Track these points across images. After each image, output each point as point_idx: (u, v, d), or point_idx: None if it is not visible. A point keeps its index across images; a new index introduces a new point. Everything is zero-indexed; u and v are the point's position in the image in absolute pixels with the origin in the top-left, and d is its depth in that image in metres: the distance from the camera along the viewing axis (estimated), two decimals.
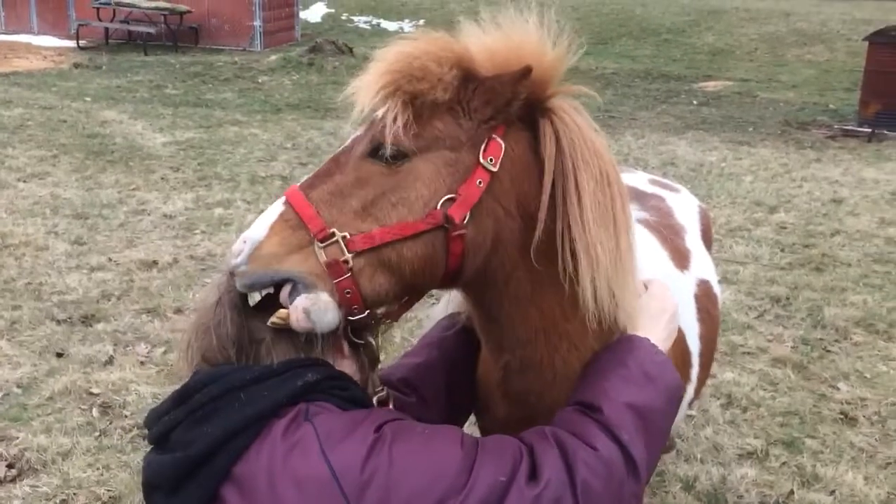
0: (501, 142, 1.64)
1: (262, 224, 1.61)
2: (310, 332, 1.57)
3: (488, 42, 1.67)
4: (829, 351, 5.23)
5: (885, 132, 11.93)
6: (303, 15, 23.98)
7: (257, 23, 19.82)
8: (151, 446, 1.65)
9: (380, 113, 1.63)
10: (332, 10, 26.78)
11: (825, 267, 6.69)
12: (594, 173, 1.65)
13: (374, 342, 1.77)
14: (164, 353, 4.96)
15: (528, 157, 1.68)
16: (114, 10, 19.45)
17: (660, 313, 1.84)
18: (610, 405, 1.61)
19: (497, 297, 1.76)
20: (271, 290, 1.62)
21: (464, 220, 1.61)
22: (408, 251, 1.60)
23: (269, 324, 1.60)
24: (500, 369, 1.91)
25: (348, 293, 1.58)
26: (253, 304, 1.62)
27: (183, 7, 19.55)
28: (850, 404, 4.56)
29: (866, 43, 12.94)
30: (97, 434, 4.10)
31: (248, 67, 16.85)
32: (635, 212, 2.47)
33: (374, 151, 1.62)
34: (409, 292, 1.72)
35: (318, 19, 25.88)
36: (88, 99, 13.43)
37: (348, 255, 1.56)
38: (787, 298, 6.00)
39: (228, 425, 1.51)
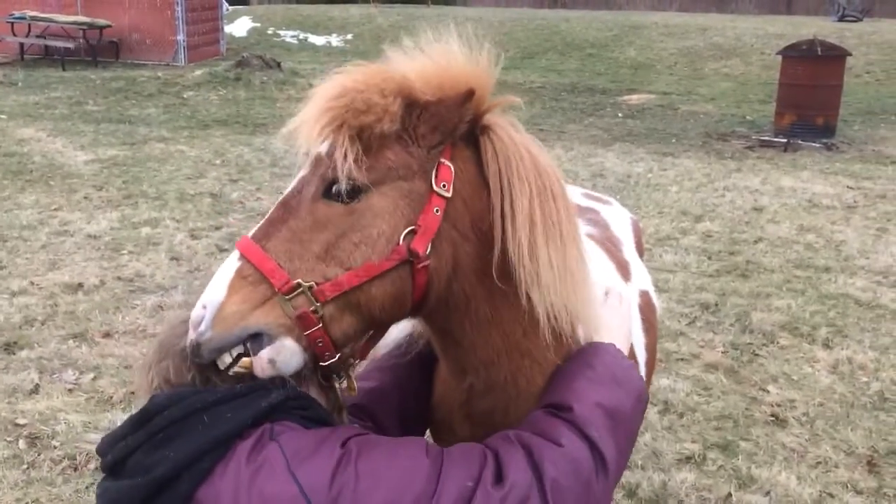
0: (450, 165, 1.64)
1: (219, 285, 1.57)
2: (274, 377, 1.57)
3: (420, 66, 1.66)
4: (757, 355, 5.40)
5: (800, 142, 12.45)
6: (228, 29, 23.67)
7: (181, 37, 19.44)
8: (105, 474, 1.59)
9: (324, 149, 1.60)
10: (258, 25, 26.51)
11: (750, 273, 6.92)
12: (532, 188, 1.65)
13: (338, 388, 1.76)
14: (94, 379, 4.79)
15: (475, 176, 1.68)
16: (29, 25, 18.78)
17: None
18: (580, 404, 1.63)
19: (458, 321, 1.75)
20: (242, 351, 1.58)
21: (426, 251, 1.60)
22: (376, 290, 1.59)
23: (231, 373, 1.59)
24: (463, 391, 1.90)
25: (320, 342, 1.57)
26: (223, 367, 1.60)
27: (102, 21, 19.02)
28: (780, 406, 4.72)
29: (780, 57, 13.50)
30: (25, 467, 3.93)
31: (173, 82, 16.49)
32: (582, 226, 2.51)
33: (328, 191, 1.59)
34: (376, 327, 1.72)
35: (244, 34, 25.57)
36: (4, 116, 12.92)
37: (317, 305, 1.55)
38: (716, 305, 6.18)
39: (191, 448, 1.48)
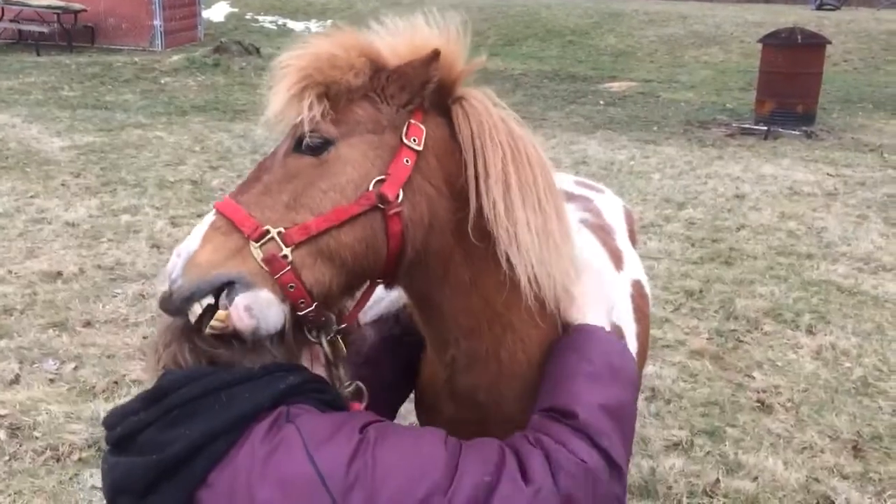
0: (422, 126, 1.68)
1: (193, 237, 1.59)
2: (255, 330, 1.54)
3: (385, 38, 1.72)
4: (742, 341, 5.43)
5: (780, 130, 12.51)
6: (205, 14, 23.35)
7: (157, 22, 19.16)
8: (110, 447, 1.57)
9: (296, 111, 1.64)
10: (236, 10, 26.20)
11: (733, 260, 6.95)
12: (505, 151, 1.69)
13: (336, 339, 1.73)
14: (75, 369, 4.72)
15: (448, 138, 1.72)
16: (2, 9, 18.44)
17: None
18: (584, 409, 1.61)
19: (438, 285, 1.77)
20: (212, 301, 1.55)
21: (397, 197, 1.62)
22: (346, 236, 1.60)
23: (207, 330, 1.54)
24: (446, 366, 1.91)
25: (292, 287, 1.56)
26: (193, 319, 1.56)
27: (77, 5, 18.69)
28: (766, 392, 4.74)
29: (759, 45, 13.54)
30: (7, 458, 3.86)
31: (150, 68, 16.26)
32: (576, 212, 2.49)
33: (298, 145, 1.63)
34: (355, 282, 1.71)
35: (222, 19, 25.25)
36: None
37: (286, 250, 1.55)
38: (701, 292, 6.21)
39: (208, 428, 1.46)
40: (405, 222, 1.64)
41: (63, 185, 8.46)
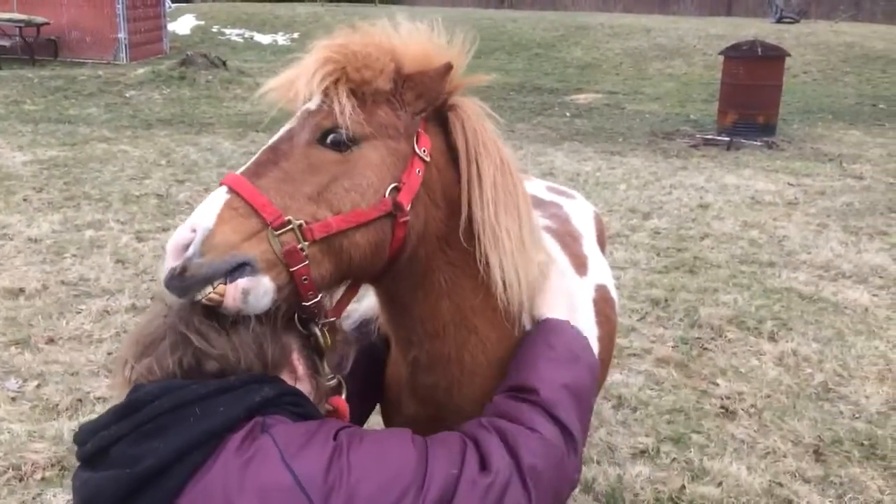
0: (427, 135, 1.74)
1: (208, 213, 1.54)
2: (239, 312, 1.53)
3: (401, 41, 1.76)
4: (706, 349, 5.51)
5: (742, 140, 12.74)
6: (171, 27, 23.21)
7: (122, 35, 19.02)
8: (81, 464, 1.55)
9: (314, 104, 1.66)
10: (202, 23, 26.06)
11: (697, 269, 7.05)
12: (495, 160, 1.77)
13: (319, 332, 1.73)
14: (38, 387, 4.64)
15: (445, 149, 1.78)
16: None
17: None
18: (544, 386, 1.70)
19: (412, 288, 1.82)
20: (224, 283, 1.52)
21: (409, 206, 1.67)
22: (360, 238, 1.64)
23: (203, 299, 1.51)
24: (408, 365, 1.96)
25: (305, 280, 1.58)
26: (202, 299, 1.52)
27: (40, 18, 18.48)
28: (729, 399, 4.81)
29: (721, 57, 13.79)
30: None
31: (114, 81, 16.09)
32: (542, 220, 2.54)
33: (324, 138, 1.64)
34: (347, 279, 1.75)
35: (188, 31, 25.11)
36: None
37: (304, 244, 1.56)
38: (666, 300, 6.29)
39: (182, 441, 1.44)
40: (408, 230, 1.70)
41: (25, 200, 8.34)
